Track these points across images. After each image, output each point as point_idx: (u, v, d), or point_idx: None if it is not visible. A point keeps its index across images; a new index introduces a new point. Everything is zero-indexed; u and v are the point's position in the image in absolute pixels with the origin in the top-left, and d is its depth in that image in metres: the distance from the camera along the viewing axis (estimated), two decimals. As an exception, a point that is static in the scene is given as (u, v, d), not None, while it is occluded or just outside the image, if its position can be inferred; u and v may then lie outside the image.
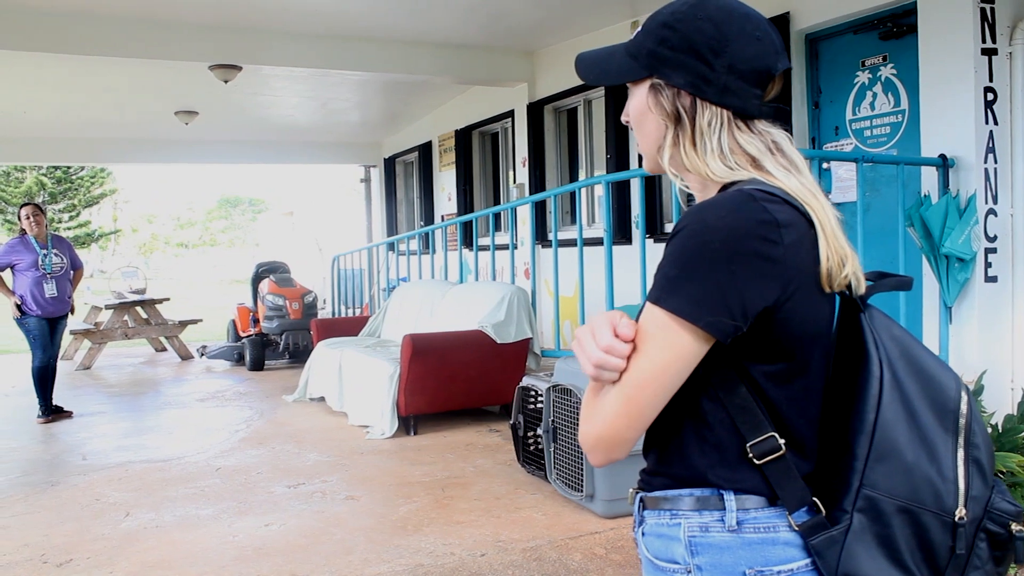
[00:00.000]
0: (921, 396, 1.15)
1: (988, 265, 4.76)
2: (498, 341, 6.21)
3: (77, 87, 10.08)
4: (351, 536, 4.00)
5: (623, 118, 1.34)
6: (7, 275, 7.23)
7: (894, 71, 5.51)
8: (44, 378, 7.19)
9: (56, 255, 7.32)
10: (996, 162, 4.81)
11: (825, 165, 5.88)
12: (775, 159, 1.20)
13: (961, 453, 1.15)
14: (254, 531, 4.13)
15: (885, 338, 1.17)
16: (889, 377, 1.14)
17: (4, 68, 9.07)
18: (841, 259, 1.16)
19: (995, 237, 4.79)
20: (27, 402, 7.58)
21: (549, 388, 4.40)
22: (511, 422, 4.91)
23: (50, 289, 7.16)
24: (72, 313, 7.65)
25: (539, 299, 7.85)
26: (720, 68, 1.19)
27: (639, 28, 1.29)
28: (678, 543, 1.20)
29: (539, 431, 4.55)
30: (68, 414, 7.39)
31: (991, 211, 4.78)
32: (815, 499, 1.17)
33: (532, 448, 4.81)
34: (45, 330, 7.19)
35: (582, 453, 4.10)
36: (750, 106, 1.21)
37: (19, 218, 7.47)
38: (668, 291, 1.10)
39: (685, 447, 1.20)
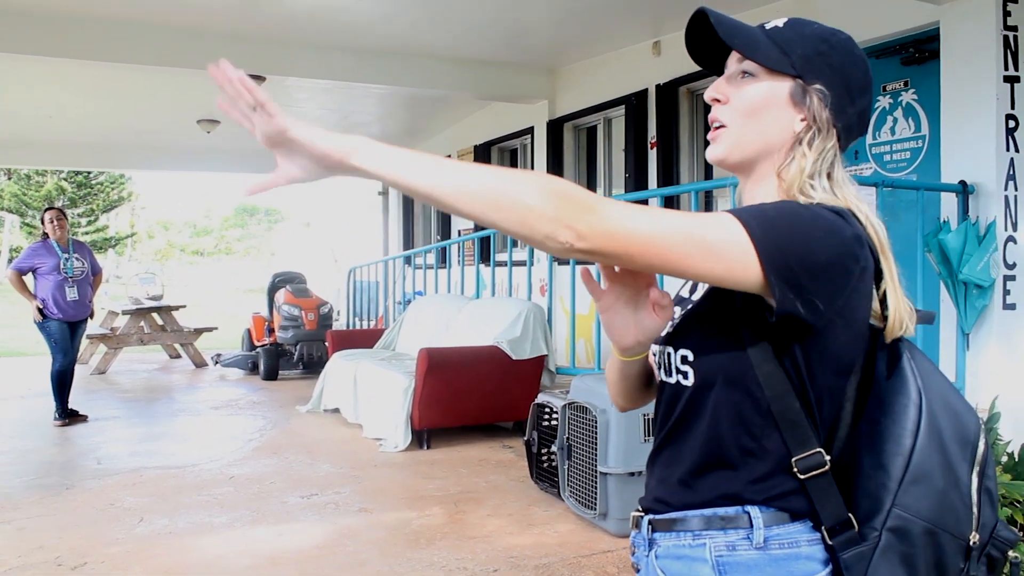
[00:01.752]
0: (950, 428, 1.18)
1: (1007, 292, 4.75)
2: (514, 357, 6.22)
3: (102, 93, 10.19)
4: (364, 548, 4.01)
5: (715, 94, 1.29)
6: (28, 278, 7.30)
7: (915, 96, 5.51)
8: (63, 382, 7.25)
9: (77, 259, 7.39)
10: (1016, 189, 4.81)
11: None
12: (864, 205, 1.24)
13: (976, 482, 1.18)
14: (267, 540, 4.15)
15: (921, 370, 1.21)
16: (927, 406, 1.17)
17: (31, 72, 9.18)
18: (901, 313, 1.21)
19: (1014, 264, 4.78)
20: (43, 404, 7.63)
21: (564, 405, 4.41)
22: (525, 438, 4.92)
23: (71, 293, 7.23)
24: (91, 317, 7.71)
25: (554, 316, 7.86)
26: (858, 107, 1.25)
27: (780, 22, 1.27)
28: (703, 563, 1.20)
29: (553, 448, 4.56)
30: (83, 418, 7.44)
31: (1010, 238, 4.77)
32: (850, 515, 1.18)
33: (546, 465, 4.81)
34: (66, 334, 7.25)
35: (596, 471, 4.10)
36: (846, 150, 1.27)
37: (42, 222, 7.55)
38: (759, 220, 1.10)
39: (718, 464, 1.21)
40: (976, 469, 1.18)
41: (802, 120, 1.24)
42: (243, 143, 13.35)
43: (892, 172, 5.66)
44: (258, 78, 8.26)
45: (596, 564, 3.76)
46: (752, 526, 1.18)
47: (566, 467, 4.41)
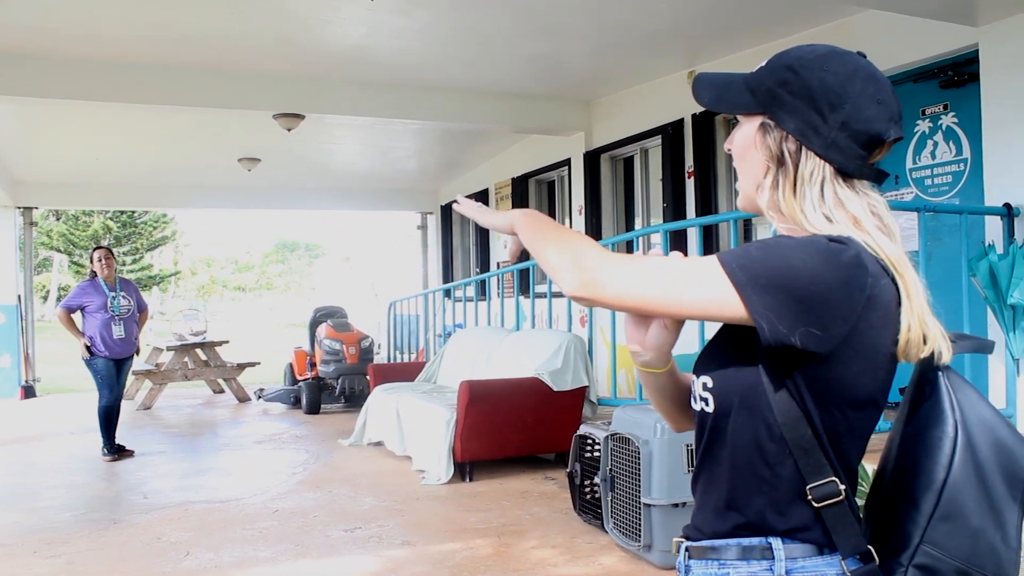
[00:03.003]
0: (994, 463, 1.15)
1: (1056, 317, 4.67)
2: (555, 389, 6.21)
3: (146, 135, 10.43)
4: (408, 581, 4.00)
5: (727, 146, 1.35)
6: (77, 317, 7.43)
7: (955, 120, 5.47)
8: (109, 417, 7.36)
9: (124, 297, 7.51)
10: (1063, 212, 4.74)
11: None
12: (873, 222, 1.20)
13: None
14: (312, 574, 4.16)
15: (963, 400, 1.17)
16: (964, 440, 1.14)
17: (78, 117, 9.43)
18: (923, 335, 1.16)
19: (1063, 288, 4.70)
20: (91, 440, 7.73)
21: (607, 437, 4.39)
22: (568, 470, 4.90)
23: (118, 331, 7.35)
24: (137, 354, 7.82)
25: (595, 347, 7.85)
26: (832, 123, 1.20)
27: (764, 62, 1.30)
28: None
29: (596, 479, 4.53)
30: (130, 453, 7.53)
31: (1059, 262, 4.69)
32: (871, 548, 1.17)
33: (589, 497, 4.78)
34: (112, 371, 7.36)
35: (639, 502, 4.07)
36: (852, 166, 1.21)
37: (91, 260, 7.69)
38: (738, 256, 1.13)
39: (740, 492, 1.21)
40: None
41: (767, 157, 1.25)
42: (282, 180, 13.56)
43: (934, 196, 5.61)
44: (297, 116, 8.41)
45: (641, 597, 3.72)
46: (774, 558, 1.17)
47: (609, 498, 4.39)
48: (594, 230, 9.20)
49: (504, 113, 9.04)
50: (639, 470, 4.09)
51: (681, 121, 7.77)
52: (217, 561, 4.41)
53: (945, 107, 5.52)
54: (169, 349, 11.75)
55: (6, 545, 4.79)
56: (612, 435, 4.36)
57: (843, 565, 1.16)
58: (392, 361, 12.06)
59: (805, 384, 1.14)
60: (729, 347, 1.23)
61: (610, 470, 4.38)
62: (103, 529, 5.10)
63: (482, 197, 12.46)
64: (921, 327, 1.15)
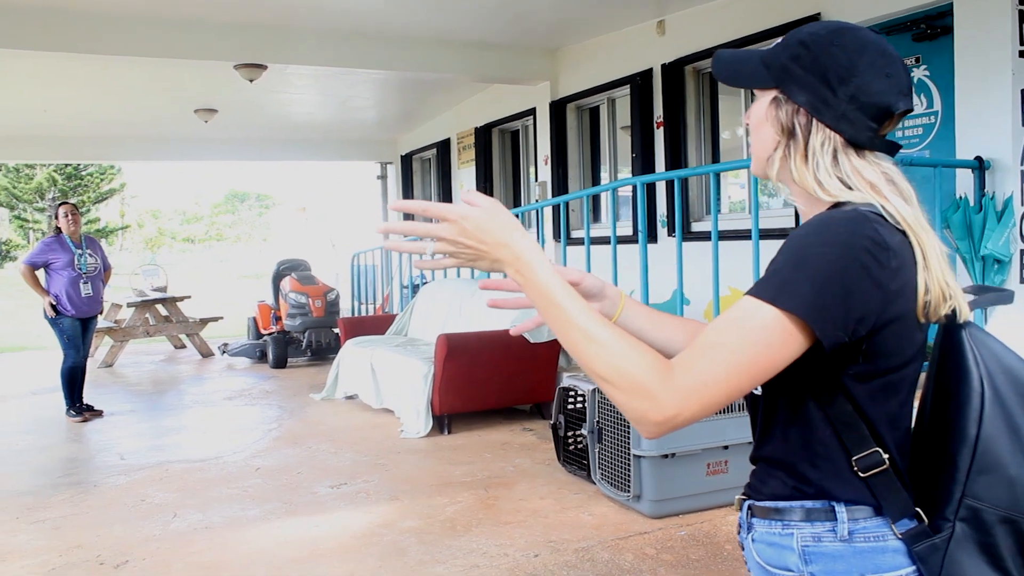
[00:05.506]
0: (1022, 409, 1.19)
1: (1024, 267, 4.80)
2: (531, 341, 6.25)
3: (96, 86, 10.12)
4: (402, 537, 4.05)
5: (744, 119, 1.39)
6: (40, 274, 7.28)
7: (927, 73, 5.53)
8: (73, 378, 7.24)
9: (91, 255, 7.35)
10: (1033, 164, 4.85)
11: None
12: (890, 188, 1.24)
13: None
14: (304, 532, 4.18)
15: (985, 354, 1.21)
16: (991, 392, 1.18)
17: (23, 68, 9.12)
18: (943, 293, 1.20)
19: (1032, 238, 4.83)
20: (55, 401, 7.60)
21: (594, 390, 4.45)
22: (552, 422, 4.96)
23: (86, 289, 7.20)
24: (102, 313, 7.69)
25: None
26: (842, 96, 1.23)
27: (779, 40, 1.33)
28: (791, 552, 1.25)
29: (581, 431, 4.60)
30: (99, 413, 7.44)
31: (1027, 212, 4.81)
32: (917, 509, 1.22)
33: (573, 448, 4.85)
34: (78, 330, 7.24)
35: (628, 453, 4.15)
36: (862, 137, 1.24)
37: (55, 216, 7.49)
38: (786, 292, 1.13)
39: (797, 458, 1.25)
40: None
41: (778, 130, 1.30)
42: (240, 131, 13.32)
43: (904, 149, 5.69)
44: (259, 67, 8.24)
45: (634, 546, 3.81)
46: (836, 519, 1.22)
47: (597, 450, 4.46)
48: (560, 180, 9.20)
49: (467, 63, 8.92)
50: (627, 422, 4.16)
51: (650, 71, 7.76)
52: (206, 522, 4.41)
53: (917, 60, 5.57)
54: (130, 305, 11.57)
55: (-14, 510, 4.74)
56: (599, 388, 4.42)
57: (893, 529, 1.21)
58: (356, 314, 12.02)
59: (843, 363, 1.18)
60: None
61: (597, 422, 4.44)
62: (84, 492, 5.06)
63: (444, 147, 12.36)
64: (940, 287, 1.19)
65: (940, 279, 1.19)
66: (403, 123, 13.39)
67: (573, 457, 4.86)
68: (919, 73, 5.57)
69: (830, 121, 1.24)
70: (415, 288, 9.69)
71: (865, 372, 1.19)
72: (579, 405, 4.70)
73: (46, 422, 7.28)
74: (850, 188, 1.23)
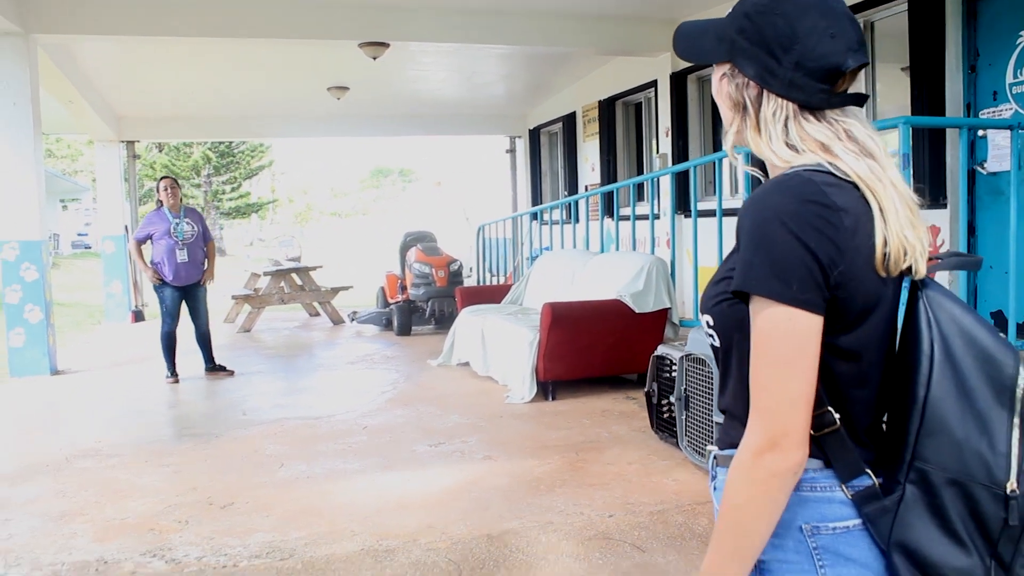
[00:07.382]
0: (978, 373, 1.17)
1: None
2: (636, 310, 6.26)
3: (238, 68, 10.69)
4: (487, 494, 4.18)
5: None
6: (147, 248, 7.72)
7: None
8: (170, 344, 7.61)
9: (188, 223, 7.66)
10: None
11: (981, 133, 5.64)
12: (844, 145, 1.22)
13: (1017, 431, 1.16)
14: (396, 486, 4.38)
15: (943, 317, 1.20)
16: (940, 355, 1.17)
17: (174, 53, 9.72)
18: (901, 246, 1.19)
19: None
20: (191, 361, 8.06)
21: (682, 357, 4.45)
22: (646, 390, 4.99)
23: (181, 255, 7.51)
24: (211, 281, 7.91)
25: (679, 269, 7.85)
26: (787, 64, 1.23)
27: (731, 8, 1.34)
28: None
29: (672, 399, 4.61)
30: (230, 373, 7.91)
31: None
32: (868, 471, 1.22)
33: (665, 416, 4.87)
34: (176, 301, 7.58)
35: (712, 421, 4.14)
36: (815, 100, 1.23)
37: (157, 190, 7.93)
38: (756, 277, 1.16)
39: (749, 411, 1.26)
40: (1017, 414, 1.16)
41: (730, 105, 1.31)
42: (371, 107, 13.73)
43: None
44: (382, 44, 8.50)
45: (710, 511, 3.81)
46: None
47: (684, 417, 4.47)
48: (681, 152, 9.11)
49: (588, 35, 8.95)
50: (712, 390, 4.15)
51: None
52: (309, 472, 4.67)
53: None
54: (266, 274, 12.19)
55: (122, 455, 5.15)
56: (687, 355, 4.42)
57: (843, 489, 1.22)
58: (482, 284, 12.25)
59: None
60: (723, 284, 1.28)
61: (685, 390, 4.45)
62: (205, 443, 5.43)
63: (569, 120, 12.40)
64: (899, 240, 1.18)
65: (898, 232, 1.19)
66: (530, 97, 13.50)
67: (665, 425, 4.87)
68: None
69: (780, 90, 1.24)
70: (535, 259, 9.80)
71: (825, 329, 1.17)
72: (672, 374, 4.71)
73: (184, 380, 7.76)
74: (799, 152, 1.23)
